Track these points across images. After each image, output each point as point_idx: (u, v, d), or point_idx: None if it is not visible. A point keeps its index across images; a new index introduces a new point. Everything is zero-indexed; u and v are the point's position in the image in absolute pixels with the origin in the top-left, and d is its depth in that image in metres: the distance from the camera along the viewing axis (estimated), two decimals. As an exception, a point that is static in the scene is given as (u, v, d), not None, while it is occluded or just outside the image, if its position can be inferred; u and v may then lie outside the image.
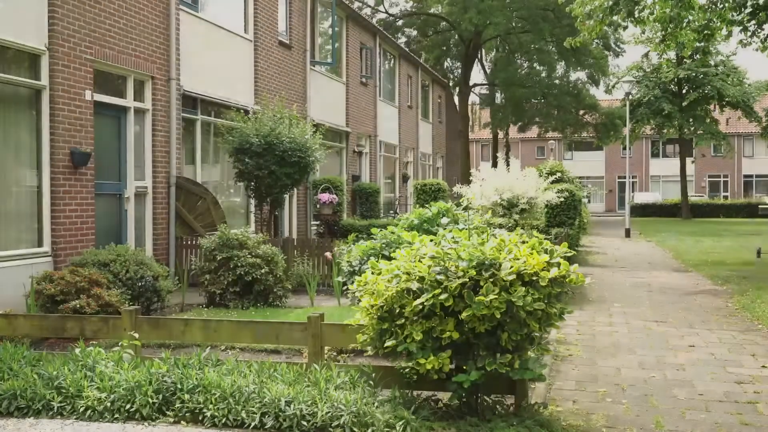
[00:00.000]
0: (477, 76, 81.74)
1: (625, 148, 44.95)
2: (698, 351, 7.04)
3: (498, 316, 4.26)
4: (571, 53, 35.12)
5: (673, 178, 54.96)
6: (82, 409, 4.75)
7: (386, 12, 41.12)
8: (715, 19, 14.27)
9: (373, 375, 4.85)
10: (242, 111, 13.77)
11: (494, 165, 38.17)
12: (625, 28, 15.24)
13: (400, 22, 39.88)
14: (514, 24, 35.68)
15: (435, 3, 38.09)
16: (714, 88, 36.75)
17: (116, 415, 4.69)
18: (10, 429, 4.57)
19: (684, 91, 38.50)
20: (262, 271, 9.29)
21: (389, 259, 6.84)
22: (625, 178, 57.04)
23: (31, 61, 9.28)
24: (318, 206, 17.24)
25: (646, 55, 39.41)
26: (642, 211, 44.21)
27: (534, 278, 4.39)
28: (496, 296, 4.25)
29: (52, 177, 9.35)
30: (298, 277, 10.84)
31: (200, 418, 4.60)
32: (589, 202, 41.42)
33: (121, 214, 11.01)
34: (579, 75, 41.02)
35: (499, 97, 41.88)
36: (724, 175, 59.36)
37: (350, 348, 5.70)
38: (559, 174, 17.55)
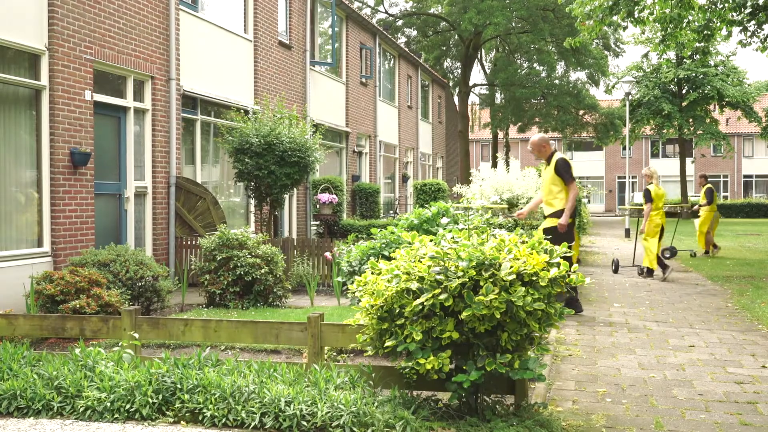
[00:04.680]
0: (477, 76, 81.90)
1: (625, 148, 44.94)
2: (698, 351, 7.04)
3: (498, 316, 4.25)
4: (571, 53, 35.17)
5: (673, 178, 55.01)
6: (81, 409, 4.75)
7: (386, 12, 41.13)
8: (715, 20, 14.28)
9: (373, 375, 4.85)
10: (242, 111, 13.78)
11: (494, 165, 38.22)
12: (625, 28, 15.25)
13: (399, 22, 39.88)
14: (513, 24, 35.70)
15: (435, 3, 38.11)
16: (714, 89, 36.75)
17: (116, 415, 4.69)
18: (10, 429, 4.57)
19: (684, 92, 38.52)
20: (262, 271, 9.29)
21: (389, 259, 6.85)
22: (624, 178, 56.94)
23: (31, 61, 9.29)
24: (318, 206, 17.25)
25: (646, 55, 39.43)
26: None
27: (534, 278, 4.39)
28: (496, 296, 4.25)
29: (52, 177, 9.36)
30: (298, 277, 10.84)
31: (200, 418, 4.59)
32: (588, 202, 41.45)
33: (120, 214, 11.02)
34: (579, 75, 41.15)
35: (498, 97, 41.90)
36: (724, 176, 59.43)
37: (350, 348, 5.70)
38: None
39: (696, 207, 17.18)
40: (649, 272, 13.10)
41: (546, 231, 8.54)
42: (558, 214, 8.53)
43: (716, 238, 23.81)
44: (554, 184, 8.56)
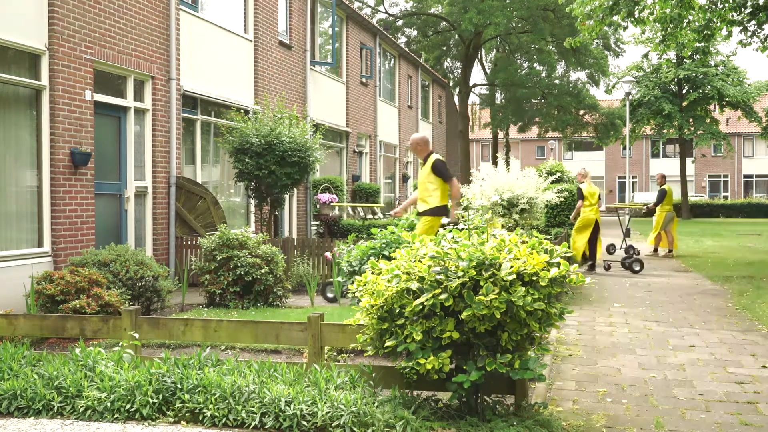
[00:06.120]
0: (477, 76, 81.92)
1: (625, 148, 44.96)
2: (698, 351, 7.04)
3: (498, 316, 4.25)
4: (571, 53, 35.17)
5: (673, 178, 54.96)
6: (82, 409, 4.75)
7: (386, 12, 41.13)
8: (715, 20, 14.29)
9: (374, 375, 4.85)
10: (242, 111, 13.78)
11: (494, 165, 38.24)
12: (625, 28, 15.27)
13: (400, 22, 39.88)
14: (514, 24, 35.70)
15: (435, 3, 38.11)
16: (714, 89, 36.76)
17: (116, 415, 4.69)
18: (10, 429, 4.57)
19: (684, 91, 38.51)
20: (262, 271, 9.29)
21: (389, 259, 6.85)
22: (625, 178, 56.94)
23: (31, 61, 9.29)
24: (318, 206, 17.24)
25: (646, 55, 39.43)
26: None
27: (534, 278, 4.38)
28: (496, 296, 4.25)
29: (52, 177, 9.36)
30: (298, 277, 10.84)
31: (200, 418, 4.59)
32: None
33: (121, 214, 11.01)
34: (579, 75, 41.18)
35: (499, 97, 41.91)
36: (724, 175, 59.43)
37: (350, 348, 5.70)
38: (559, 174, 17.57)
39: (644, 208, 17.80)
40: (586, 260, 14.37)
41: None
42: (431, 212, 8.83)
43: (715, 237, 23.86)
44: (430, 182, 8.90)
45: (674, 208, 18.37)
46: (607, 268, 14.13)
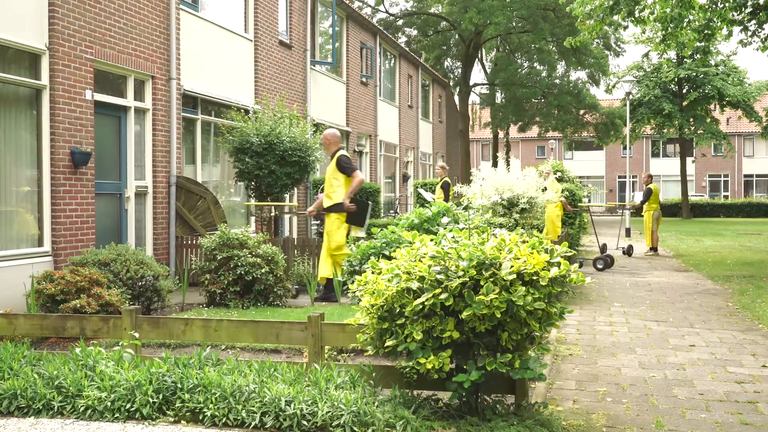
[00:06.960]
0: (477, 75, 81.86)
1: (625, 148, 44.98)
2: (699, 351, 7.04)
3: (498, 315, 4.25)
4: (572, 53, 35.18)
5: (673, 177, 55.03)
6: (82, 409, 4.75)
7: (386, 12, 41.13)
8: (715, 19, 14.29)
9: (374, 374, 4.85)
10: (242, 110, 13.78)
11: (494, 165, 38.22)
12: (626, 27, 15.30)
13: (400, 22, 39.88)
14: (514, 24, 35.70)
15: (435, 3, 38.13)
16: (714, 88, 36.78)
17: (116, 415, 4.69)
18: (10, 428, 4.57)
19: (684, 91, 38.51)
20: (263, 270, 9.28)
21: (389, 258, 6.85)
22: (625, 177, 56.93)
23: (31, 61, 9.29)
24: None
25: (647, 54, 39.46)
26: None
27: (534, 278, 4.38)
28: (497, 296, 4.25)
29: (53, 177, 9.36)
30: (298, 276, 10.84)
31: (200, 418, 4.59)
32: (589, 201, 41.51)
33: (121, 214, 11.02)
34: (579, 75, 41.18)
35: (499, 97, 41.91)
36: (725, 175, 59.44)
37: (350, 347, 5.69)
38: (559, 174, 17.58)
39: (628, 207, 18.10)
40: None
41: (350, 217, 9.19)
42: (334, 208, 9.05)
43: (715, 237, 23.87)
44: (335, 179, 9.10)
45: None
46: (580, 265, 14.19)
